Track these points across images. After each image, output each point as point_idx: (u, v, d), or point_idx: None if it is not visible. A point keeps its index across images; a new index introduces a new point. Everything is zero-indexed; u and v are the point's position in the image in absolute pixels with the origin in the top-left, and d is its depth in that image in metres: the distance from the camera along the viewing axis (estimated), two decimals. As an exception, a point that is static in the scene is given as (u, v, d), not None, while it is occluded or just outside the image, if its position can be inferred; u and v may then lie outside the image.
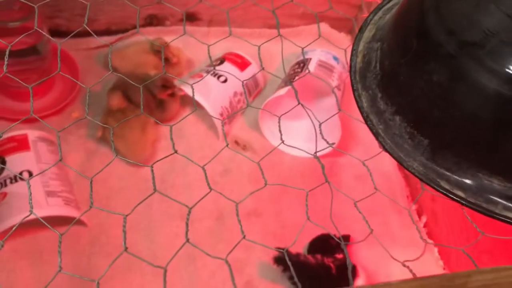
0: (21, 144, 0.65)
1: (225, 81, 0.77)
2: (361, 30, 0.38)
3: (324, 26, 0.92)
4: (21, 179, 0.62)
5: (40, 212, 0.60)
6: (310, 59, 0.79)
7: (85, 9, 0.82)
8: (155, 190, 0.30)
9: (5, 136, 0.66)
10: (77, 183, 0.69)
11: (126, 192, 0.70)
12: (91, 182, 0.33)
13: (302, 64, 0.78)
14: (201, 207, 0.72)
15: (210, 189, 0.33)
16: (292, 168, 0.76)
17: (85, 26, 0.41)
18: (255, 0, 0.49)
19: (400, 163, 0.33)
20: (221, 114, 0.75)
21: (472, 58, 0.28)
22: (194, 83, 0.43)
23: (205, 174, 0.33)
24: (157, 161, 0.35)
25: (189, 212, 0.29)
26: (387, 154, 0.83)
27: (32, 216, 0.59)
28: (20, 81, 0.44)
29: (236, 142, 0.78)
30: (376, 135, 0.34)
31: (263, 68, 0.40)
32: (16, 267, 0.62)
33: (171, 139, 0.34)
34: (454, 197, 0.31)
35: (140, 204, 0.36)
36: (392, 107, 0.33)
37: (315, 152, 0.36)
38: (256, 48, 0.76)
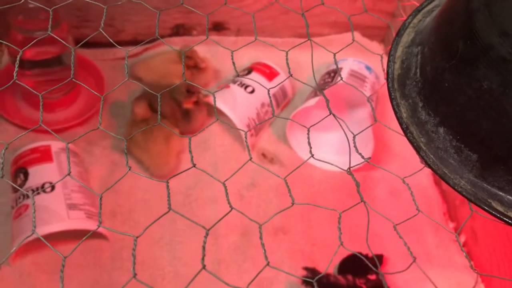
0: (44, 155, 0.64)
1: (252, 91, 0.74)
2: (399, 34, 0.35)
3: (356, 35, 0.88)
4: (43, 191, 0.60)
5: (61, 225, 0.59)
6: (341, 68, 0.76)
7: (113, 20, 0.82)
8: (169, 208, 0.28)
9: (28, 147, 0.65)
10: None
11: (150, 205, 0.68)
12: (100, 198, 0.30)
13: (333, 73, 0.75)
14: (226, 222, 0.70)
15: (231, 208, 0.30)
16: (322, 182, 0.73)
17: (101, 30, 0.39)
18: (284, 5, 0.47)
19: (445, 180, 0.29)
20: (248, 126, 0.72)
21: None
22: (216, 91, 0.41)
23: (226, 191, 0.30)
24: (174, 175, 0.33)
25: (207, 234, 0.27)
26: (422, 166, 0.79)
27: (50, 230, 0.58)
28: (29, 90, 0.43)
29: (263, 155, 0.75)
30: (417, 149, 0.31)
31: (291, 75, 0.37)
32: (36, 282, 0.60)
33: (190, 152, 0.31)
34: (509, 221, 0.27)
35: (160, 218, 0.33)
36: (435, 117, 0.30)
37: (349, 168, 0.33)
38: (285, 58, 0.73)
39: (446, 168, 0.29)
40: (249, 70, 0.78)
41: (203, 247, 0.25)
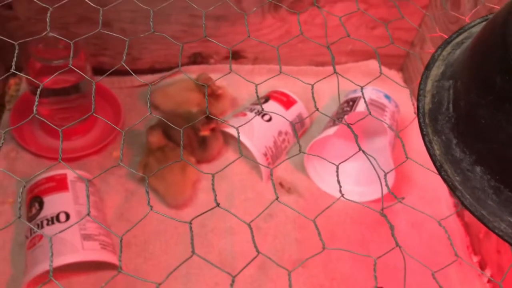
0: (60, 184, 0.63)
1: (270, 120, 0.73)
2: (428, 67, 0.34)
3: (374, 63, 0.88)
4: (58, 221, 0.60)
5: (75, 256, 0.58)
6: (360, 97, 0.74)
7: (130, 48, 0.82)
8: (193, 252, 0.27)
9: (44, 175, 0.64)
10: (114, 225, 0.66)
11: (165, 235, 0.67)
12: (121, 241, 0.29)
13: (352, 102, 0.74)
14: (242, 254, 0.68)
15: (258, 252, 0.29)
16: (341, 213, 0.71)
17: (123, 64, 0.38)
18: (306, 35, 0.46)
19: (484, 223, 0.28)
20: (265, 154, 0.71)
21: None
22: (239, 126, 0.40)
23: (252, 233, 0.29)
24: (196, 216, 0.31)
25: (233, 281, 0.25)
26: (443, 197, 0.77)
27: (64, 261, 0.57)
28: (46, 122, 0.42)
29: (281, 184, 0.74)
30: (452, 188, 0.29)
31: (317, 109, 0.36)
32: (49, 315, 0.59)
33: (213, 189, 0.30)
34: (555, 268, 0.25)
35: (183, 262, 0.32)
36: (471, 155, 0.28)
37: (382, 209, 0.32)
38: (302, 86, 0.73)
39: (484, 209, 0.28)
40: (266, 98, 0.77)
41: (230, 295, 0.24)
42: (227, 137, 0.76)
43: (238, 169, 0.74)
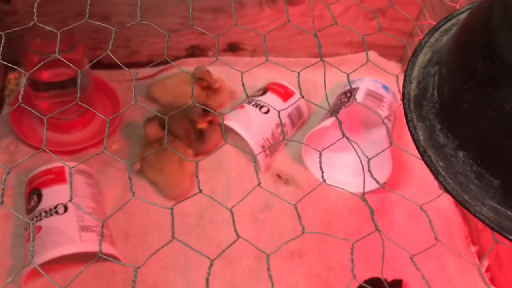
0: (58, 177, 0.64)
1: (267, 111, 0.73)
2: (415, 53, 0.34)
3: (373, 54, 0.87)
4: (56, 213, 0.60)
5: (73, 247, 0.58)
6: (358, 88, 0.74)
7: (128, 41, 0.82)
8: (173, 237, 0.27)
9: (42, 168, 0.65)
10: (113, 217, 0.66)
11: (163, 227, 0.67)
12: (102, 226, 0.29)
13: (349, 93, 0.74)
14: (239, 245, 0.68)
15: (238, 236, 0.29)
16: (339, 204, 0.71)
17: (109, 52, 0.38)
18: (298, 26, 0.46)
19: (466, 207, 0.28)
20: (263, 146, 0.71)
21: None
22: (228, 113, 0.40)
23: (233, 217, 0.29)
24: (179, 201, 0.32)
25: (211, 265, 0.26)
26: (442, 192, 0.77)
27: (62, 252, 0.58)
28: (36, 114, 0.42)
29: (279, 176, 0.74)
30: (435, 173, 0.29)
31: (302, 96, 0.36)
32: (48, 305, 0.59)
33: (196, 176, 0.30)
34: (535, 251, 0.25)
35: (163, 247, 0.32)
36: (454, 141, 0.28)
37: (363, 194, 0.32)
38: (301, 78, 0.73)
39: (466, 194, 0.28)
40: (264, 90, 0.77)
41: (207, 279, 0.24)
42: (226, 129, 0.76)
43: (236, 161, 0.75)
